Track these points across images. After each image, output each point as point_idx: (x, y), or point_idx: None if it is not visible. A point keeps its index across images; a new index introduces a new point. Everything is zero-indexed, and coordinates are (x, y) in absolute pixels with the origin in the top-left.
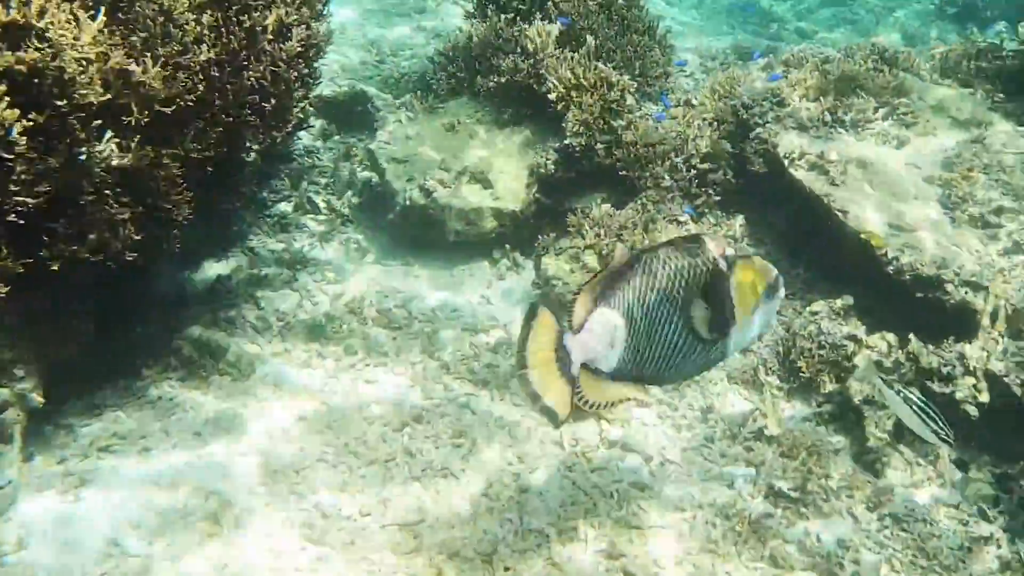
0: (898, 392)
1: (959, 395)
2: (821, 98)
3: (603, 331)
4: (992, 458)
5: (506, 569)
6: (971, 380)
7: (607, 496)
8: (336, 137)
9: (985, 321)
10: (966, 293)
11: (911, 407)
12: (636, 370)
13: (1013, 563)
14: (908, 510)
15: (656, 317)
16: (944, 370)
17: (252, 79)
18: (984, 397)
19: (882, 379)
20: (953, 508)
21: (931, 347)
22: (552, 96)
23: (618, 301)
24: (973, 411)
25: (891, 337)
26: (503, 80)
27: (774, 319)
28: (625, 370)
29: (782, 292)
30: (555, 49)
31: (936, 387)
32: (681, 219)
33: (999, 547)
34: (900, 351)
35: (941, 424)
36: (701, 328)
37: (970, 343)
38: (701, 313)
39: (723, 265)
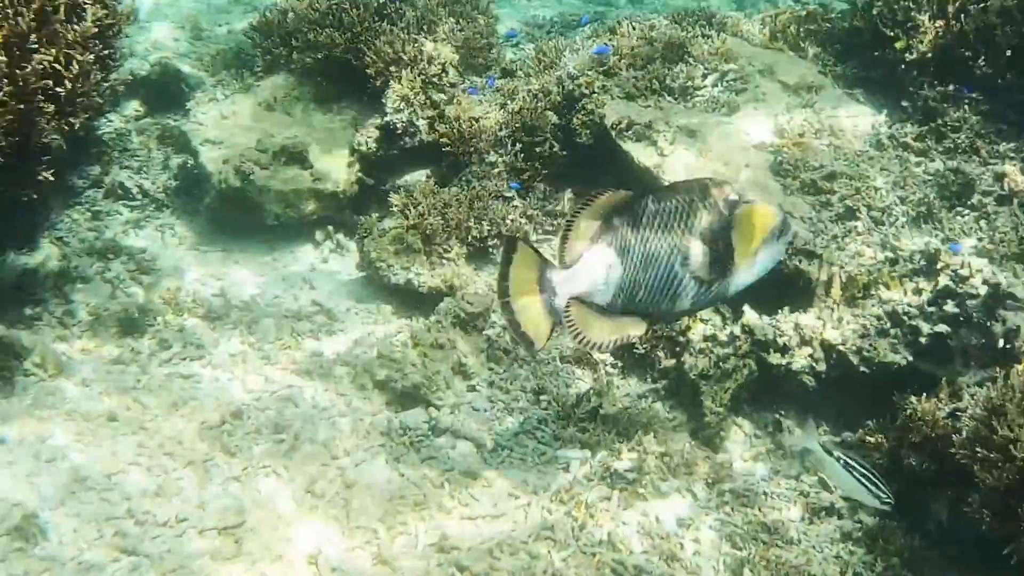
0: (838, 459)
1: (796, 366)
2: (648, 66)
3: (597, 268)
4: (831, 427)
5: (332, 570)
6: (808, 350)
7: (438, 487)
8: (149, 119)
9: (820, 290)
10: (800, 262)
11: (852, 473)
12: (633, 305)
13: (854, 533)
14: (748, 484)
15: (653, 256)
16: (780, 341)
17: (44, 63)
18: (821, 367)
19: (822, 447)
20: (793, 480)
21: (766, 318)
22: (371, 71)
23: (614, 239)
24: (810, 381)
25: (725, 310)
26: (320, 56)
27: (778, 260)
28: (621, 305)
29: (789, 235)
30: (374, 22)
31: (773, 359)
32: (507, 194)
33: (840, 517)
34: (735, 324)
35: (882, 488)
36: (699, 268)
37: (805, 312)
38: (699, 253)
39: (725, 208)
